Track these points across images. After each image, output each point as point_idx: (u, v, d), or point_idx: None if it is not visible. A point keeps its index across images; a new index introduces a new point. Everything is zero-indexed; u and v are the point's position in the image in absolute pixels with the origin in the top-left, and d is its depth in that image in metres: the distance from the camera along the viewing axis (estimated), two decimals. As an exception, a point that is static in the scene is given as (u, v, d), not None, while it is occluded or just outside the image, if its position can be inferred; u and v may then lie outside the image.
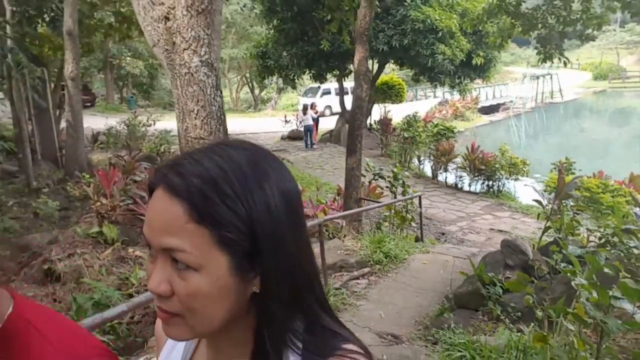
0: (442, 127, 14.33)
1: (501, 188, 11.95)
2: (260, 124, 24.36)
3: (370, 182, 7.65)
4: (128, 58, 25.86)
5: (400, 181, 7.09)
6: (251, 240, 0.58)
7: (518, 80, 37.76)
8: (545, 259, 4.23)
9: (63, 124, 11.26)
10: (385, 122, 17.64)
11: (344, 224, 7.26)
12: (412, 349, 3.70)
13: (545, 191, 6.42)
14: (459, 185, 12.70)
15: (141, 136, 13.53)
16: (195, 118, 4.67)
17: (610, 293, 1.89)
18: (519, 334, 3.27)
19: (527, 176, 12.05)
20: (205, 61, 4.59)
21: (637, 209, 5.00)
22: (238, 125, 24.04)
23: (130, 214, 8.79)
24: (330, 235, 7.34)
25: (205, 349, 0.71)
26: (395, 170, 7.15)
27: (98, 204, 8.28)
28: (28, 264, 7.42)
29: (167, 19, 4.57)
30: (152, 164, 11.26)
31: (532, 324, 3.39)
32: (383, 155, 15.67)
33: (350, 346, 0.64)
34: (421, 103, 29.63)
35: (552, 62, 8.26)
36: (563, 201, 5.26)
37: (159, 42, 4.65)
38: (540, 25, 7.80)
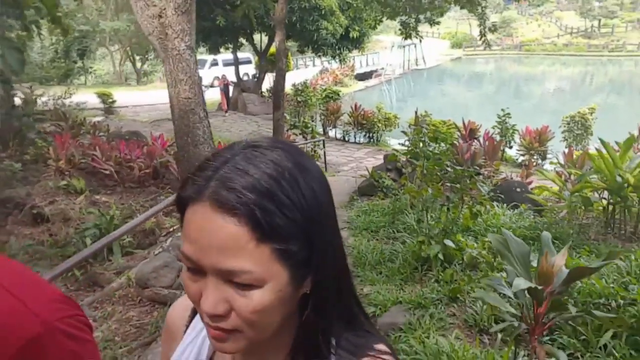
0: (329, 91, 17.58)
1: (379, 138, 15.54)
2: (154, 95, 25.70)
3: (287, 131, 10.52)
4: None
5: (310, 129, 10.06)
6: (308, 245, 0.59)
7: (387, 48, 42.59)
8: (409, 162, 7.49)
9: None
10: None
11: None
12: (338, 211, 6.76)
13: (405, 130, 9.75)
14: (346, 138, 16.06)
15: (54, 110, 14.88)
16: (185, 84, 7.22)
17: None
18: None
19: (398, 127, 15.78)
20: (188, 46, 7.14)
21: (458, 133, 8.49)
22: (133, 97, 25.22)
23: (84, 171, 10.77)
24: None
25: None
26: (306, 120, 10.10)
27: (60, 162, 10.17)
28: (12, 213, 9.18)
29: (160, 16, 7.01)
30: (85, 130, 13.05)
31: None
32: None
33: (381, 346, 0.67)
34: (302, 72, 32.79)
35: (411, 38, 11.69)
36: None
37: (154, 32, 7.09)
38: (401, 12, 11.14)
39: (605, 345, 2.87)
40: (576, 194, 5.12)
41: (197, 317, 0.75)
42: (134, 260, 6.48)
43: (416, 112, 8.58)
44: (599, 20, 50.30)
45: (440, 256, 4.02)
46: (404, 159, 7.88)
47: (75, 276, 5.87)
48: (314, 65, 36.32)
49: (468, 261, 3.65)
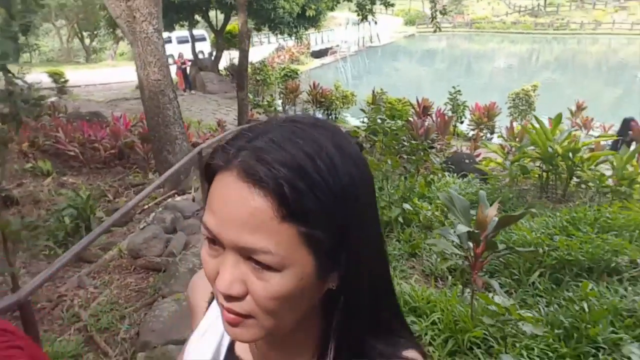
0: (288, 70, 17.99)
1: (337, 115, 16.16)
2: (107, 74, 25.29)
3: (251, 110, 10.95)
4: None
5: (273, 108, 10.52)
6: (339, 235, 0.54)
7: (342, 25, 43.01)
8: (368, 137, 8.15)
9: None
10: (235, 68, 20.69)
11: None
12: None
13: (364, 108, 10.45)
14: (306, 116, 16.58)
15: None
16: (154, 67, 7.54)
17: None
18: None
19: (355, 105, 16.46)
20: (156, 29, 7.45)
21: (413, 110, 9.20)
22: (83, 76, 24.72)
23: (48, 153, 10.90)
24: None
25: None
26: (269, 99, 10.56)
27: (24, 145, 10.28)
28: (-22, 197, 9.26)
29: (127, 0, 7.23)
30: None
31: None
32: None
33: (411, 353, 0.64)
34: (258, 49, 32.85)
35: (368, 20, 12.24)
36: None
37: (121, 15, 7.37)
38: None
39: (533, 283, 3.61)
40: (516, 163, 5.90)
41: None
42: (114, 237, 6.85)
43: (374, 91, 9.22)
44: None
45: (400, 219, 4.68)
46: (363, 135, 8.53)
47: (58, 254, 6.21)
48: (269, 42, 36.37)
49: (424, 222, 4.32)
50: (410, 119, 8.57)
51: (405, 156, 5.53)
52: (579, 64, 39.09)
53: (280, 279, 0.53)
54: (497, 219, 2.71)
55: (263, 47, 34.40)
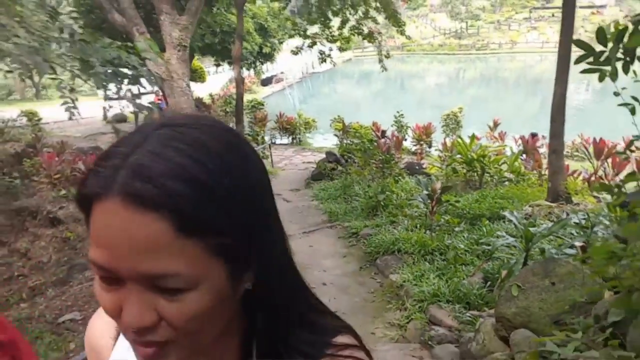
0: (256, 102, 21.01)
1: (302, 139, 19.29)
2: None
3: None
4: None
5: (261, 137, 13.49)
6: (246, 235, 0.53)
7: (283, 52, 46.47)
8: (344, 155, 11.33)
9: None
10: (200, 101, 23.54)
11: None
12: (302, 190, 10.41)
13: (337, 133, 13.67)
14: (274, 141, 19.61)
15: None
16: (186, 112, 10.32)
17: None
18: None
19: (316, 129, 19.69)
20: (187, 84, 10.32)
21: (374, 134, 12.50)
22: (46, 113, 26.45)
23: (69, 182, 13.29)
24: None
25: None
26: (256, 129, 13.52)
27: (56, 176, 12.68)
28: (26, 219, 11.56)
29: (168, 63, 10.08)
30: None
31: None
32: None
33: (341, 339, 0.63)
34: (213, 78, 35.60)
35: (326, 62, 15.50)
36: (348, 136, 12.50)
37: (163, 74, 10.13)
38: (318, 43, 14.90)
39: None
40: (449, 167, 9.22)
41: None
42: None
43: (343, 121, 12.47)
44: (467, 22, 58.33)
45: (383, 202, 7.81)
46: (338, 154, 11.72)
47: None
48: (216, 72, 39.14)
49: (397, 203, 7.48)
50: (374, 139, 11.82)
51: (380, 165, 8.71)
52: (500, 79, 44.50)
53: (195, 296, 0.50)
54: (440, 188, 5.89)
55: (215, 78, 37.10)
